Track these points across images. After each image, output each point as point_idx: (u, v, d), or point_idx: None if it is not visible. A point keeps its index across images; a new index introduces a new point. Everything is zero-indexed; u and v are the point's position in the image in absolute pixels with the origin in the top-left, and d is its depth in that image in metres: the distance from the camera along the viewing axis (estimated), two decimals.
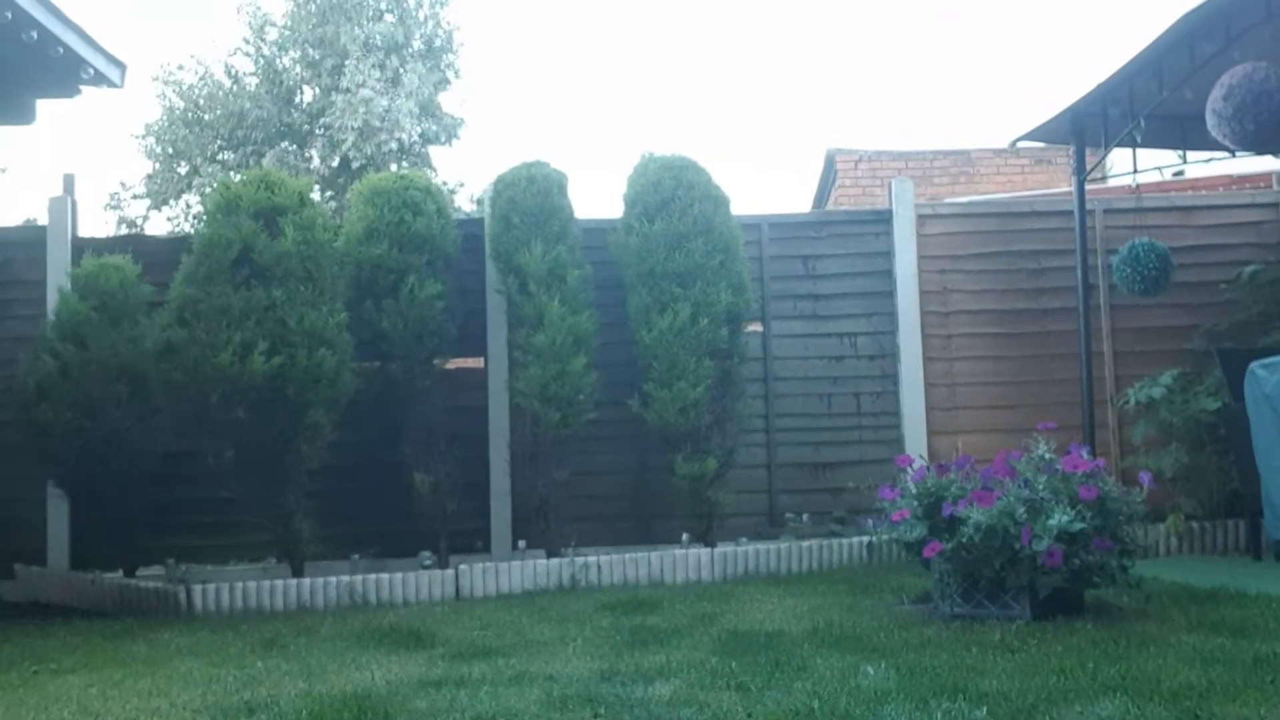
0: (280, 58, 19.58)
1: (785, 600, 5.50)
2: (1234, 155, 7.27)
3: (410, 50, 19.12)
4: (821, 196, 13.98)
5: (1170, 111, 6.69)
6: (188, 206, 19.58)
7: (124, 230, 19.10)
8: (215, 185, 7.37)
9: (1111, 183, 10.01)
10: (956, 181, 12.62)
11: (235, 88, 19.48)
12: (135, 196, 19.88)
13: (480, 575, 6.26)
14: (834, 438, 7.48)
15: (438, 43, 19.68)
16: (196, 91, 19.32)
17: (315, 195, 6.62)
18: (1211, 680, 3.51)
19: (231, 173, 17.44)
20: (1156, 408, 6.92)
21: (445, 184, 19.50)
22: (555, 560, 6.41)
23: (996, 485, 4.77)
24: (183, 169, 19.42)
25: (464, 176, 25.70)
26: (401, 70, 18.53)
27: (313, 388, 6.02)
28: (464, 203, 19.41)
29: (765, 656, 4.15)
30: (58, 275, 6.98)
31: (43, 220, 7.36)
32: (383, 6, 19.29)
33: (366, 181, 7.02)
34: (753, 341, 7.27)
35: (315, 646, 4.83)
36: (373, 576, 6.14)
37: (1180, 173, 8.84)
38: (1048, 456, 4.91)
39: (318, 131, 18.67)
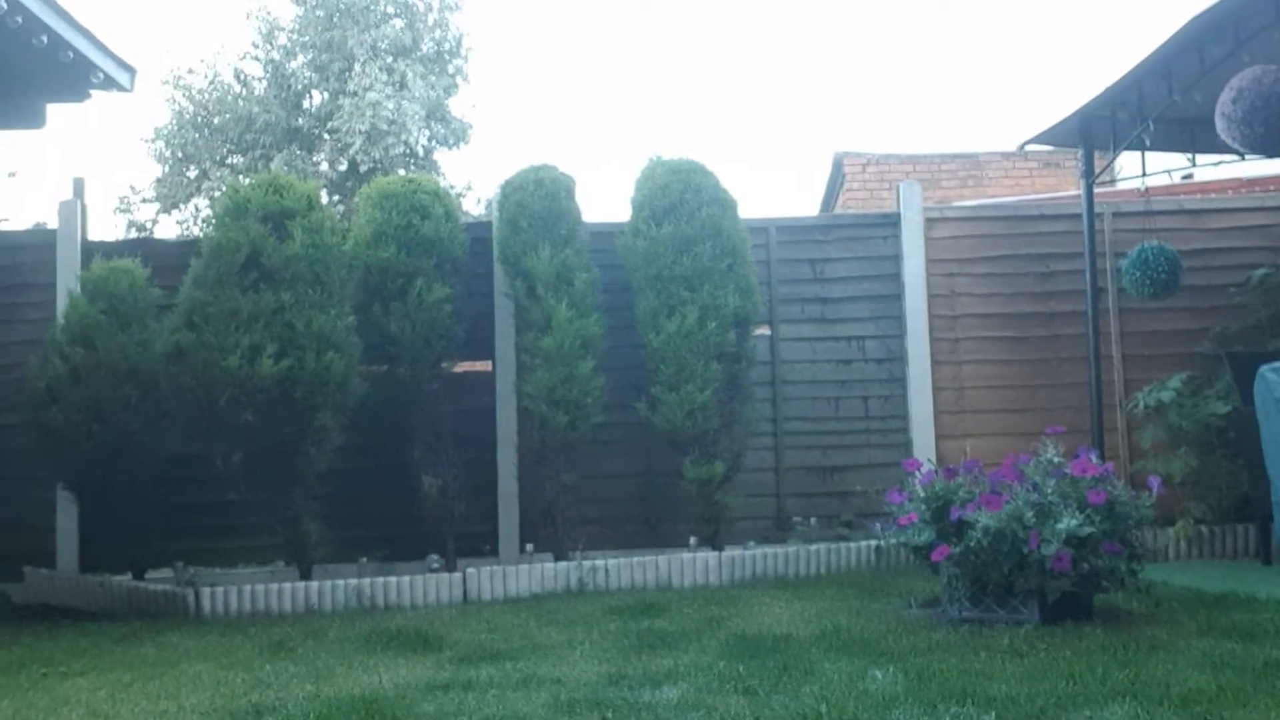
0: (288, 62, 19.64)
1: (793, 604, 5.49)
2: (1243, 158, 7.26)
3: (418, 54, 19.17)
4: (829, 200, 13.96)
5: (1179, 114, 6.66)
6: (197, 210, 19.65)
7: (133, 234, 19.19)
8: (224, 189, 7.40)
9: (1120, 186, 10.01)
10: (965, 185, 12.58)
11: (244, 92, 19.55)
12: (144, 200, 19.97)
13: (488, 578, 6.26)
14: (842, 441, 7.47)
15: (446, 47, 19.72)
16: (205, 96, 19.40)
17: (323, 199, 6.62)
18: (1221, 685, 3.50)
19: (240, 176, 17.49)
20: (1166, 411, 6.90)
21: (453, 188, 19.54)
22: (563, 564, 6.41)
23: (1005, 489, 4.76)
24: (192, 173, 19.49)
25: (472, 180, 25.73)
26: (409, 74, 18.57)
27: (321, 391, 6.03)
28: (472, 206, 19.44)
29: (773, 660, 4.15)
30: (67, 278, 7.00)
31: (52, 224, 7.39)
32: (391, 11, 19.34)
33: (375, 185, 7.04)
34: (760, 345, 7.26)
35: (323, 649, 4.83)
36: (380, 579, 6.15)
37: (1189, 176, 8.82)
38: (1056, 460, 4.90)
39: (326, 135, 18.73)
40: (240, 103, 19.22)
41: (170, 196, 19.56)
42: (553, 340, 6.47)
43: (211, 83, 19.51)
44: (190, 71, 19.65)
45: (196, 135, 19.25)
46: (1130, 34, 34.72)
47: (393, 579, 6.16)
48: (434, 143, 19.49)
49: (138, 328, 6.50)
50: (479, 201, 19.74)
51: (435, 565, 6.62)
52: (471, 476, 6.89)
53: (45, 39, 5.94)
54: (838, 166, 13.12)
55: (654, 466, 7.11)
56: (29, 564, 6.77)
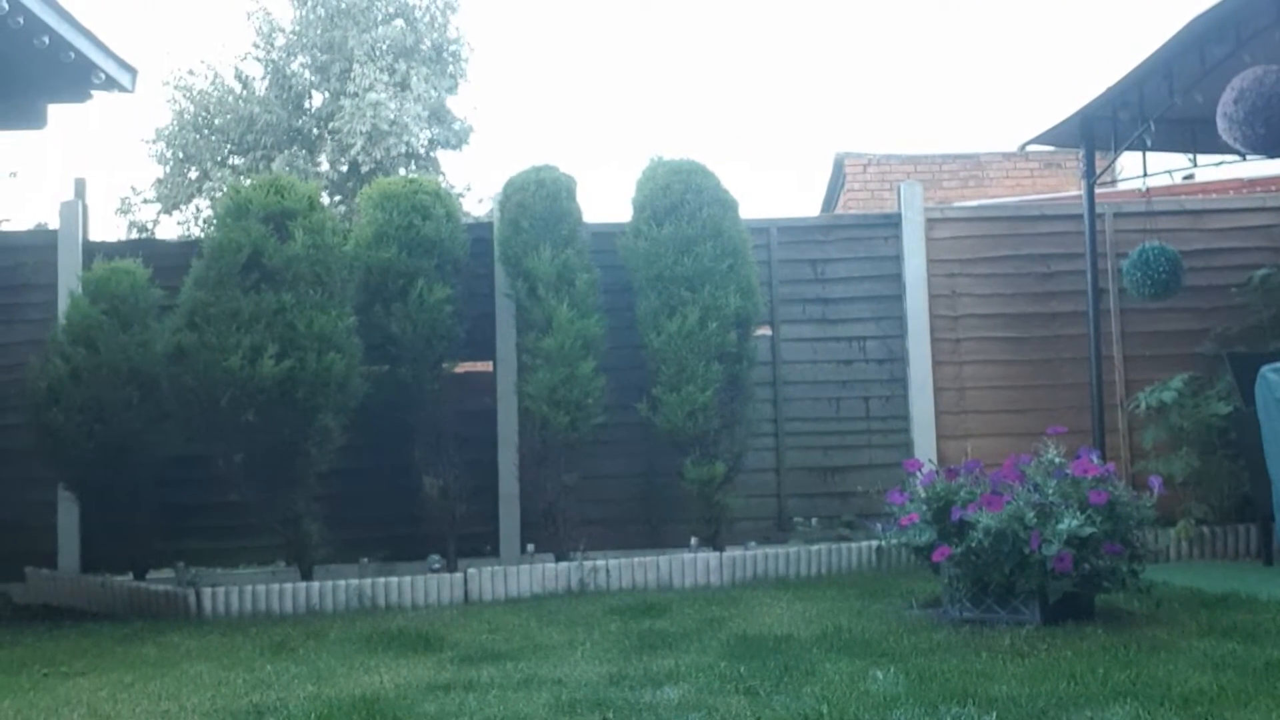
0: (289, 63, 19.64)
1: (794, 605, 5.49)
2: (1245, 159, 7.26)
3: (419, 55, 19.16)
4: (830, 200, 13.96)
5: (1180, 115, 6.67)
6: (198, 211, 19.64)
7: (134, 234, 19.17)
8: (225, 190, 7.40)
9: (1121, 186, 10.01)
10: (966, 185, 12.59)
11: (245, 92, 19.55)
12: (146, 201, 19.95)
13: (489, 579, 6.26)
14: (843, 442, 7.47)
15: (446, 47, 19.72)
16: (206, 96, 19.38)
17: (324, 200, 6.62)
18: (1222, 686, 3.50)
19: (241, 177, 17.46)
20: (1167, 412, 6.90)
21: (454, 188, 19.53)
22: (564, 564, 6.41)
23: (1006, 489, 4.76)
24: (193, 173, 19.48)
25: (473, 181, 25.76)
26: (410, 75, 18.57)
27: (322, 391, 6.03)
28: (473, 207, 19.43)
29: (774, 661, 4.15)
30: (69, 279, 7.01)
31: (54, 224, 7.39)
32: (391, 11, 19.34)
33: (376, 186, 7.04)
34: (761, 345, 7.26)
35: (324, 650, 4.84)
36: (381, 580, 6.15)
37: (1190, 176, 8.82)
38: (1057, 460, 4.90)
39: (327, 136, 18.72)
40: (241, 103, 19.21)
41: (171, 197, 19.54)
42: (554, 341, 6.47)
43: (212, 83, 19.50)
44: (191, 72, 19.64)
45: (197, 136, 19.24)
46: (1131, 34, 34.72)
47: (394, 579, 6.16)
48: (435, 143, 19.49)
49: (139, 328, 6.50)
50: (480, 202, 19.74)
51: (436, 566, 6.63)
52: (472, 477, 6.89)
53: (47, 40, 5.94)
54: (839, 167, 13.12)
55: (655, 467, 7.11)
56: (30, 564, 6.77)
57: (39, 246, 7.32)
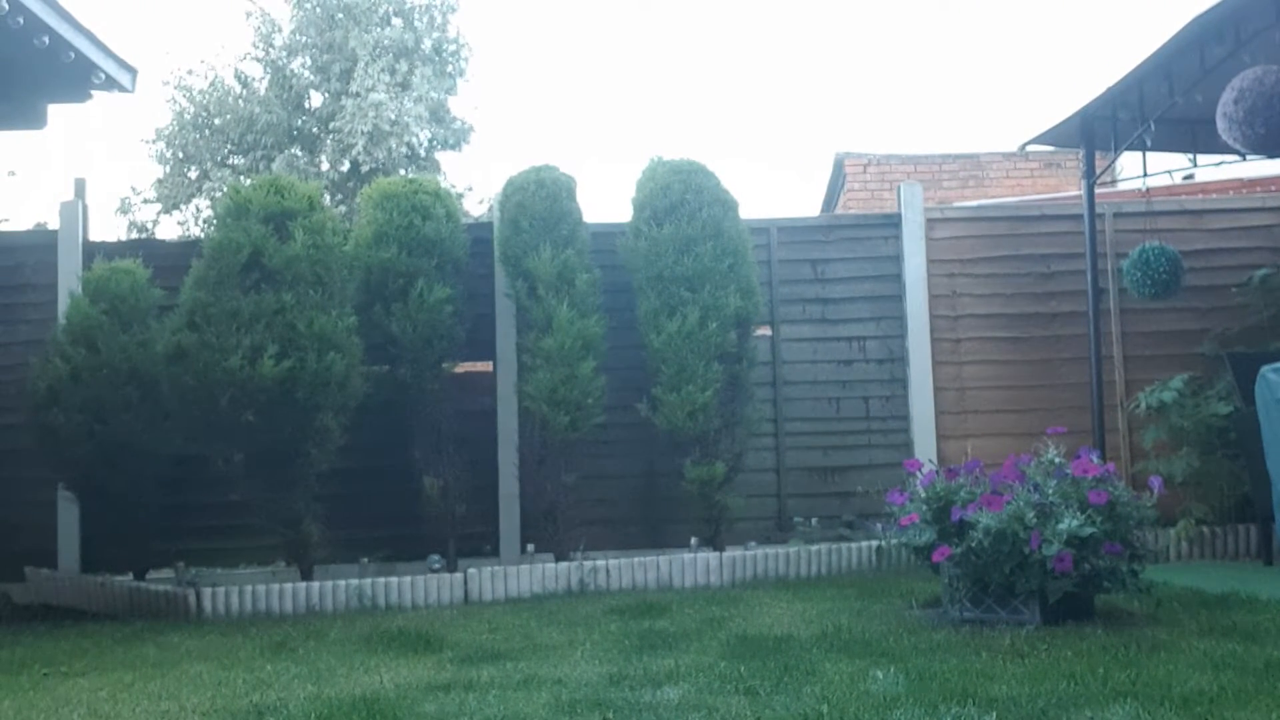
0: (289, 63, 19.64)
1: (794, 605, 5.49)
2: (1244, 159, 7.26)
3: (419, 55, 19.15)
4: (830, 200, 13.96)
5: (1180, 115, 6.67)
6: (198, 211, 19.63)
7: (134, 234, 19.17)
8: (225, 190, 7.40)
9: (1121, 186, 10.01)
10: (966, 185, 12.59)
11: (245, 92, 19.54)
12: (146, 201, 19.94)
13: (489, 579, 6.26)
14: (843, 442, 7.47)
15: (446, 47, 19.72)
16: (206, 96, 19.37)
17: (325, 200, 6.59)
18: (1223, 686, 3.50)
19: (241, 177, 17.46)
20: (1167, 412, 6.90)
21: (454, 188, 19.52)
22: (564, 564, 6.41)
23: (1006, 489, 4.75)
24: (193, 174, 19.47)
25: (473, 181, 25.72)
26: (411, 75, 18.57)
27: (322, 391, 6.03)
28: (473, 207, 19.43)
29: (774, 661, 4.15)
30: (69, 279, 7.01)
31: (53, 224, 7.40)
32: (391, 11, 19.33)
33: (376, 186, 7.04)
34: (761, 345, 7.26)
35: (324, 650, 4.84)
36: (381, 580, 6.15)
37: (1190, 176, 8.83)
38: (1057, 461, 4.89)
39: (327, 136, 18.72)
40: (241, 103, 19.20)
41: (171, 197, 19.54)
42: (554, 341, 6.47)
43: (212, 83, 19.50)
44: (191, 72, 19.64)
45: (197, 136, 19.24)
46: (1131, 34, 34.73)
47: (394, 579, 6.16)
48: (435, 143, 19.49)
49: (139, 328, 6.51)
50: (480, 202, 19.73)
51: (436, 566, 6.63)
52: (472, 477, 6.89)
53: (47, 40, 5.94)
54: (839, 167, 13.13)
55: (655, 467, 7.11)
56: (30, 564, 6.77)
57: (39, 246, 7.32)
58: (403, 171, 17.87)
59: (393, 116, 17.89)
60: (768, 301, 7.36)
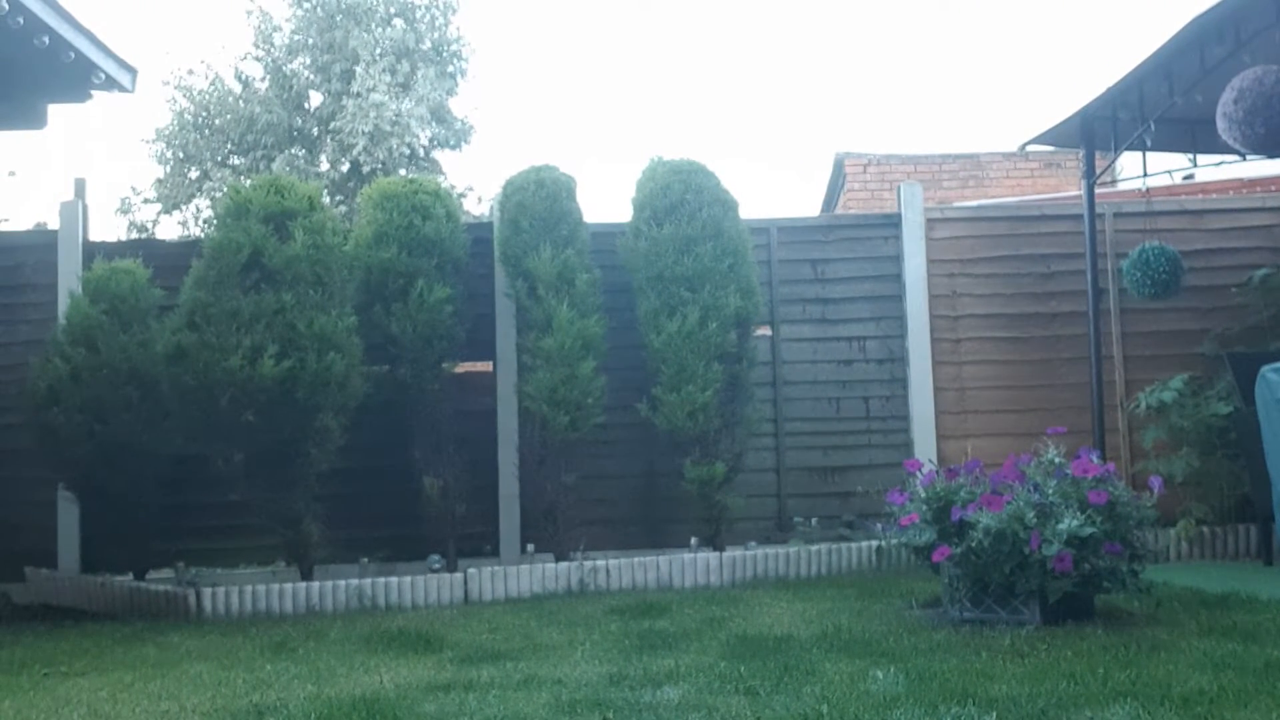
0: (289, 63, 19.64)
1: (794, 605, 5.49)
2: (1244, 159, 7.25)
3: (420, 55, 19.15)
4: (830, 200, 13.97)
5: (1180, 115, 6.66)
6: (198, 211, 19.65)
7: (134, 234, 19.19)
8: (225, 190, 7.41)
9: (1121, 186, 10.02)
10: (966, 185, 12.59)
11: (245, 92, 19.55)
12: (146, 201, 19.96)
13: (489, 579, 6.26)
14: (843, 442, 7.47)
15: (446, 47, 19.72)
16: (207, 96, 19.39)
17: (325, 200, 6.60)
18: (1223, 686, 3.50)
19: (242, 177, 17.48)
20: (1167, 412, 6.90)
21: (454, 188, 19.53)
22: (564, 564, 6.41)
23: (1006, 490, 4.75)
24: (193, 174, 19.48)
25: (473, 181, 25.77)
26: (412, 75, 18.57)
27: (322, 391, 6.03)
28: (473, 207, 19.44)
29: (774, 661, 4.15)
30: (69, 279, 7.01)
31: (53, 224, 7.39)
32: (392, 11, 19.33)
33: (376, 186, 7.04)
34: (761, 345, 7.26)
35: (324, 650, 4.84)
36: (381, 580, 6.15)
37: (1190, 176, 8.82)
38: (1057, 461, 4.89)
39: (328, 136, 18.72)
40: (241, 103, 19.21)
41: (171, 197, 19.55)
42: (554, 341, 6.47)
43: (212, 83, 19.51)
44: (191, 72, 19.65)
45: (197, 136, 19.24)
46: (1131, 34, 34.73)
47: (394, 579, 6.16)
48: (435, 143, 19.50)
49: (139, 328, 6.51)
50: (480, 202, 19.74)
51: (436, 566, 6.63)
52: (472, 477, 6.89)
53: (47, 40, 5.94)
54: (839, 167, 13.13)
55: (655, 467, 7.11)
56: (30, 564, 6.77)
57: (39, 246, 7.32)
58: (403, 171, 17.87)
59: (393, 116, 17.90)
60: (768, 301, 7.36)
